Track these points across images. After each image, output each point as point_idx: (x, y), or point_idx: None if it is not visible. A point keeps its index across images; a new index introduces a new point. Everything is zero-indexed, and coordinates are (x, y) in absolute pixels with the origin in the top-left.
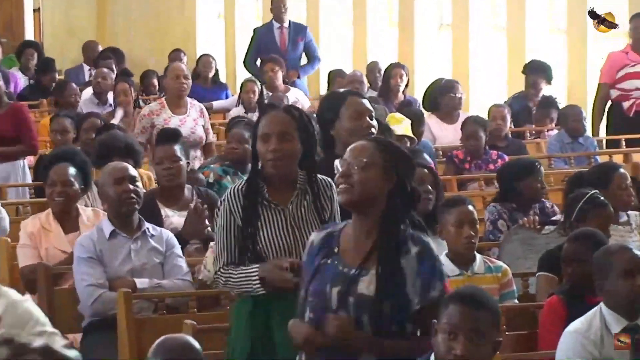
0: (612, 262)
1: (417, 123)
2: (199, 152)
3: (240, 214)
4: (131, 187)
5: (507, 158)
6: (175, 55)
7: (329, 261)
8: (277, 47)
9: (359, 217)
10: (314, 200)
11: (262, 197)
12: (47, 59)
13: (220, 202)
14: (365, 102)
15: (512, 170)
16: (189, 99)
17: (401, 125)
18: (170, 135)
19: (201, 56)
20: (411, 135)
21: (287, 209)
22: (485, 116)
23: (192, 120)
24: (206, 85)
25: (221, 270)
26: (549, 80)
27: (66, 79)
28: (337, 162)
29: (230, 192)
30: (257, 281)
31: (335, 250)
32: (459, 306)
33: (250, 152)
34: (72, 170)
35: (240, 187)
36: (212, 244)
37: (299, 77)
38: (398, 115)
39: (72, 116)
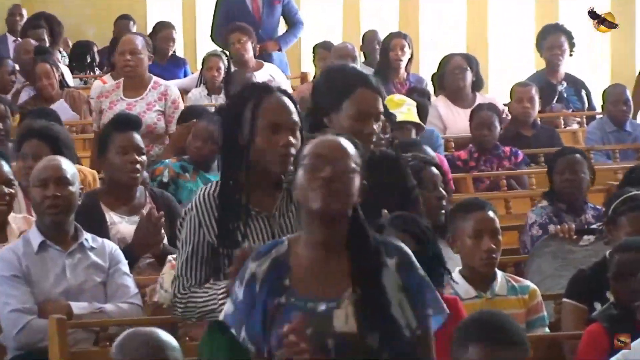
0: None
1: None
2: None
3: (213, 228)
4: (55, 192)
5: (521, 154)
6: (122, 23)
7: (282, 300)
8: (249, 13)
9: (326, 231)
10: None
11: (241, 205)
12: None
13: (186, 212)
14: (376, 99)
15: (552, 163)
16: (155, 79)
17: (401, 110)
18: (132, 122)
19: (158, 26)
20: (416, 120)
21: (273, 216)
22: (507, 98)
23: (145, 104)
24: (162, 62)
25: (180, 293)
26: (570, 40)
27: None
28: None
29: (199, 199)
30: (223, 300)
31: (287, 282)
32: (482, 345)
33: (216, 151)
34: (7, 168)
35: (211, 191)
36: (170, 257)
37: (280, 50)
38: (397, 97)
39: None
